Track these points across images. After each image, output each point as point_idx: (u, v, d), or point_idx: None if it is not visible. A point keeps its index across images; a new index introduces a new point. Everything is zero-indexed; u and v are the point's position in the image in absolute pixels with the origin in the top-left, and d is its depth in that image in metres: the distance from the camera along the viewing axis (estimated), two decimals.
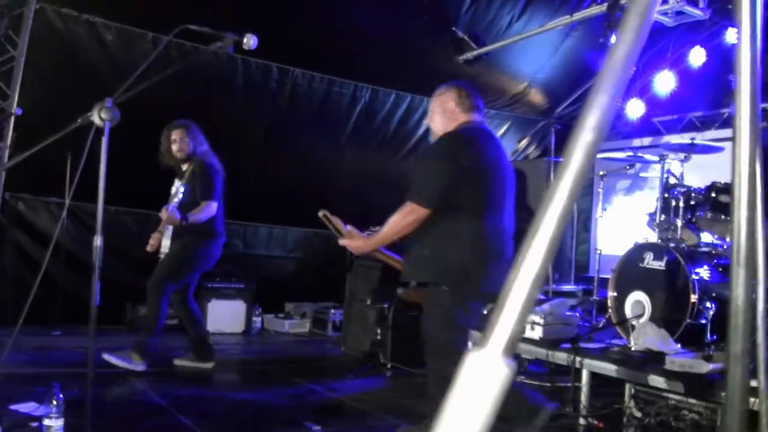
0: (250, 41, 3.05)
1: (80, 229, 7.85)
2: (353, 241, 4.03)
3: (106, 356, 5.59)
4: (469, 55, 8.27)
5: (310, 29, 7.42)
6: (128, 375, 5.52)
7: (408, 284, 4.24)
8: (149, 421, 4.44)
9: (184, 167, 5.97)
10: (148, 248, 5.86)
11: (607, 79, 0.84)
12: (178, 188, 5.69)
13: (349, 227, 4.13)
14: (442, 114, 4.08)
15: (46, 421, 3.61)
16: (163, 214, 5.56)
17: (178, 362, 6.11)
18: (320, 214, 4.22)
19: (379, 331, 6.43)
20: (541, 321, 5.25)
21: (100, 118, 2.78)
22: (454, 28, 8.17)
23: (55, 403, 3.57)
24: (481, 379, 0.76)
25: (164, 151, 5.99)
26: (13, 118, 7.05)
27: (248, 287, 8.09)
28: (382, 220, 7.99)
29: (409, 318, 6.45)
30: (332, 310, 8.27)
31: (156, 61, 7.58)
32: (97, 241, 2.77)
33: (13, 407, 4.28)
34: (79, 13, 7.13)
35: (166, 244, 5.85)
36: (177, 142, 5.94)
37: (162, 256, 5.87)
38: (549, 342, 5.25)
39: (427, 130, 9.21)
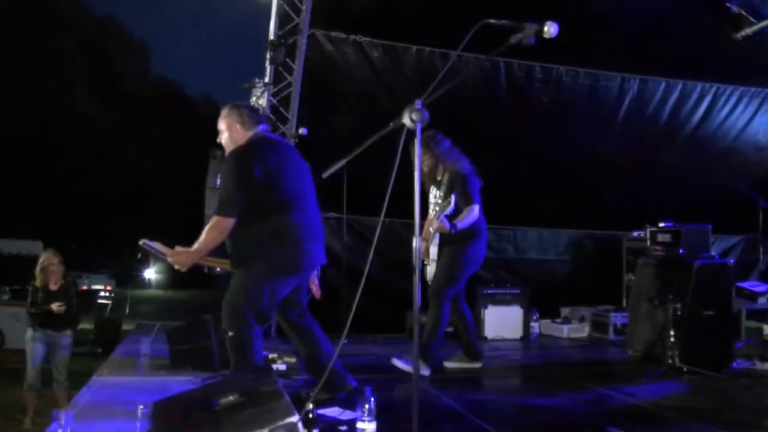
0: (551, 29, 2.92)
1: (358, 242, 8.18)
2: (179, 257, 4.48)
3: (395, 361, 5.74)
4: (748, 30, 7.60)
5: (570, 23, 7.18)
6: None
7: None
8: (451, 425, 4.43)
9: (438, 176, 6.00)
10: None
11: None
12: (440, 198, 5.76)
13: (170, 249, 4.52)
14: (230, 134, 4.56)
15: (360, 425, 3.66)
16: (433, 224, 5.67)
17: (448, 364, 6.15)
18: (140, 243, 4.52)
19: (672, 332, 6.02)
20: None
21: (411, 119, 2.77)
22: (728, 4, 7.55)
23: (367, 407, 3.63)
24: None
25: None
26: (291, 142, 7.50)
27: (524, 292, 7.97)
28: (657, 215, 7.59)
29: (706, 318, 5.99)
30: (612, 313, 7.92)
31: (419, 72, 7.81)
32: (416, 242, 2.77)
33: (318, 411, 4.43)
34: (347, 35, 7.49)
35: (434, 251, 5.94)
36: (424, 155, 5.90)
37: (429, 263, 5.99)
38: None
39: (704, 117, 8.72)
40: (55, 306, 7.24)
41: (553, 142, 8.17)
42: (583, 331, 8.24)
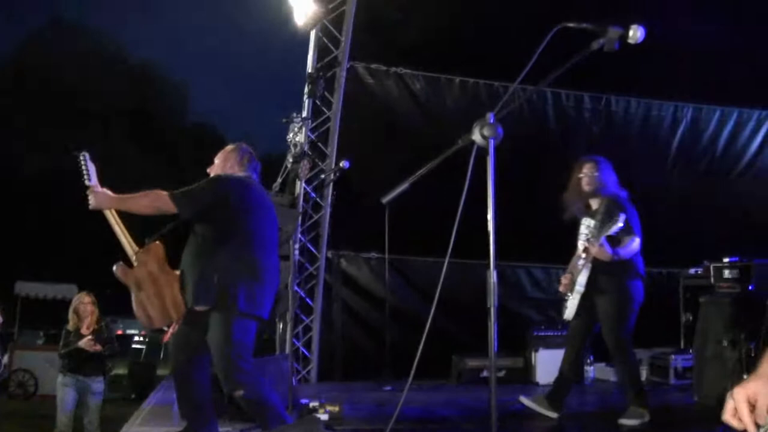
0: (637, 33, 2.62)
1: (401, 282, 7.83)
2: (98, 195, 4.20)
3: (623, 421, 5.32)
4: None
5: (620, 50, 6.86)
6: None
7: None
8: None
9: (594, 205, 5.60)
10: (561, 288, 5.56)
11: None
12: (594, 227, 5.33)
13: (95, 181, 4.25)
14: (223, 170, 4.53)
15: None
16: (592, 249, 5.21)
17: (624, 421, 5.43)
18: (82, 153, 4.27)
19: (745, 376, 5.54)
20: None
21: (482, 135, 2.43)
22: None
23: None
24: None
25: (572, 186, 5.67)
26: (332, 177, 7.23)
27: None
28: (714, 250, 7.13)
29: None
30: (673, 355, 7.42)
31: (463, 104, 7.52)
32: (492, 277, 2.42)
33: None
34: (387, 67, 7.25)
35: (581, 280, 5.37)
36: (587, 176, 5.59)
37: (572, 296, 5.46)
38: None
39: (762, 146, 8.29)
40: (84, 341, 6.87)
41: None
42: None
